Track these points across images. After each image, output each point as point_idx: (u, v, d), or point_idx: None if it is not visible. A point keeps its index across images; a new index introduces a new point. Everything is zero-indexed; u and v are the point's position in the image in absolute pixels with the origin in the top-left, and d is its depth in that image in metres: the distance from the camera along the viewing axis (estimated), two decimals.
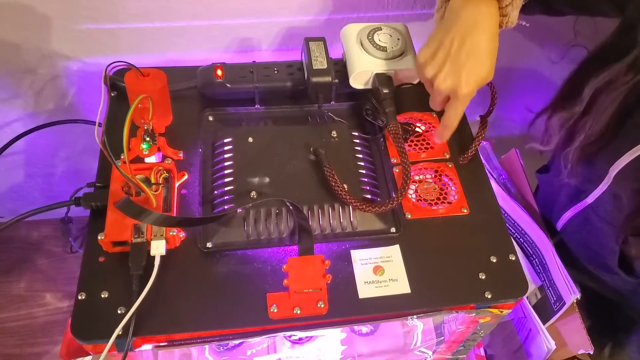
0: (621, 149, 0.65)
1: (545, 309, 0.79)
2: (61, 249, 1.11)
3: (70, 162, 1.01)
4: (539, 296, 0.80)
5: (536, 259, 0.81)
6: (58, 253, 1.11)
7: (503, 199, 0.84)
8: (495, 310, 0.58)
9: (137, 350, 0.54)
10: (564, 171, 0.73)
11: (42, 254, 1.12)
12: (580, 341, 0.76)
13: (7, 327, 1.02)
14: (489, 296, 0.56)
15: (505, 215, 0.83)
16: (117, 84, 0.67)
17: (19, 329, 1.03)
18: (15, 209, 1.10)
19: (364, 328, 0.81)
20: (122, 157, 0.53)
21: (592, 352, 0.75)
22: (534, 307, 0.78)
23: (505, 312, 0.58)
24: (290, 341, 0.77)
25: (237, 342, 0.55)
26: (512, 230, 0.84)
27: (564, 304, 0.75)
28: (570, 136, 0.70)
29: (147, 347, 0.54)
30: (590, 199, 0.73)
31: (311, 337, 0.76)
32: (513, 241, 0.61)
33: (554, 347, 0.75)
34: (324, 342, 0.78)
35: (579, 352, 0.76)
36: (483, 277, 0.58)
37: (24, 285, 1.08)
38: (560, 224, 0.83)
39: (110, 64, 0.58)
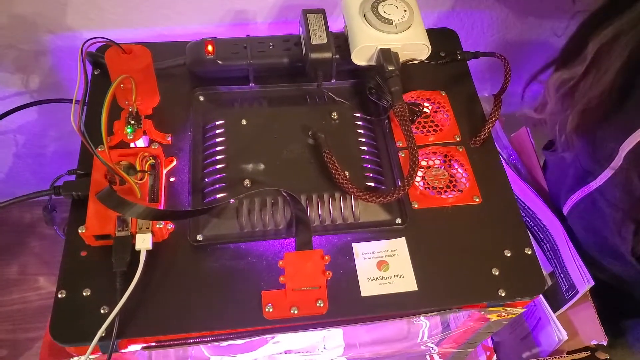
0: (632, 125, 0.60)
1: (556, 297, 0.76)
2: (55, 231, 1.08)
3: (61, 143, 0.98)
4: (550, 283, 0.78)
5: (547, 244, 0.79)
6: (52, 235, 1.09)
7: (513, 181, 0.81)
8: (508, 312, 0.54)
9: (123, 351, 0.51)
10: (559, 142, 0.68)
11: (35, 237, 1.11)
12: (593, 331, 0.73)
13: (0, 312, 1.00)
14: (503, 294, 0.53)
15: (516, 198, 0.80)
16: (101, 61, 0.63)
17: (12, 314, 1.03)
18: (6, 191, 1.07)
19: None
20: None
21: (605, 343, 0.72)
22: (544, 294, 0.75)
23: (520, 310, 0.55)
24: None
25: (228, 343, 0.52)
26: (522, 214, 0.80)
27: (577, 292, 0.73)
28: (568, 101, 0.66)
29: (135, 347, 0.51)
30: (599, 181, 0.69)
31: None
32: (529, 233, 0.57)
33: (566, 337, 0.73)
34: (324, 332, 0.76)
35: (592, 343, 0.73)
36: (496, 273, 0.55)
37: (16, 268, 1.07)
38: (566, 209, 0.79)
39: (87, 40, 0.53)
